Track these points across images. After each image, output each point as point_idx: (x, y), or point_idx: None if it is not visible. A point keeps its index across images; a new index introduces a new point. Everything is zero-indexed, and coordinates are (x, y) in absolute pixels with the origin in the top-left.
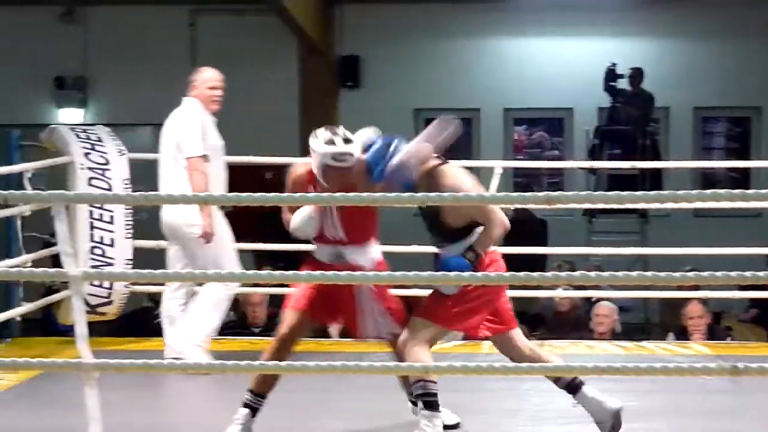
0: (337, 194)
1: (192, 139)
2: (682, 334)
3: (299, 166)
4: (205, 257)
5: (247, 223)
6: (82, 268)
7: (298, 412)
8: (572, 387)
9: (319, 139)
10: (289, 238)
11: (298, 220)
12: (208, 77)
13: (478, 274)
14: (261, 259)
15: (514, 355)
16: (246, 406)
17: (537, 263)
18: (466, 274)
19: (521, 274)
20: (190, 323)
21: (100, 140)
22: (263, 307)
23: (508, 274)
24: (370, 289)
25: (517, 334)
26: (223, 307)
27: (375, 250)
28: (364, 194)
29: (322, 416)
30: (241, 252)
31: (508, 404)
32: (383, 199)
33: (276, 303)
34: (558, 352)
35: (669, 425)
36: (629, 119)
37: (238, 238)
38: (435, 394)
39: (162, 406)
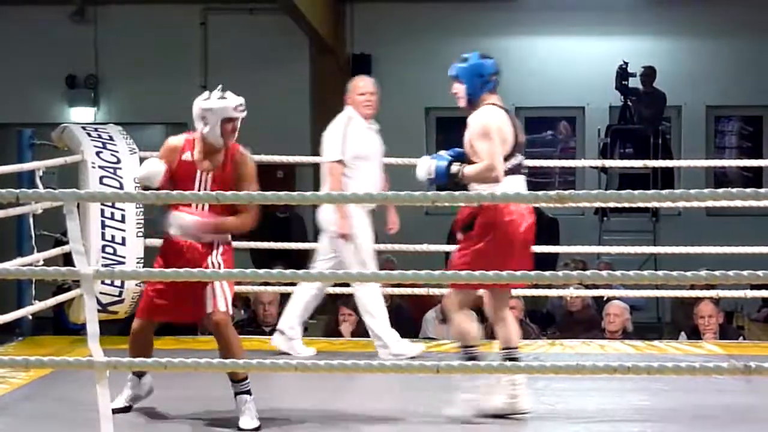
0: (351, 193)
1: (329, 145)
2: (694, 334)
3: (173, 138)
4: (343, 254)
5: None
6: (94, 266)
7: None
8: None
9: (211, 98)
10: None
11: (147, 170)
12: (357, 85)
13: (489, 273)
14: (263, 258)
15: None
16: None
17: (548, 262)
18: (477, 273)
19: (532, 273)
20: (287, 315)
21: (111, 139)
22: (275, 306)
23: (519, 273)
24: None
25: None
26: (314, 303)
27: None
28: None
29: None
30: (242, 251)
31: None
32: (395, 199)
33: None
34: (570, 351)
35: (681, 424)
36: (641, 118)
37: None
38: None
39: (172, 403)
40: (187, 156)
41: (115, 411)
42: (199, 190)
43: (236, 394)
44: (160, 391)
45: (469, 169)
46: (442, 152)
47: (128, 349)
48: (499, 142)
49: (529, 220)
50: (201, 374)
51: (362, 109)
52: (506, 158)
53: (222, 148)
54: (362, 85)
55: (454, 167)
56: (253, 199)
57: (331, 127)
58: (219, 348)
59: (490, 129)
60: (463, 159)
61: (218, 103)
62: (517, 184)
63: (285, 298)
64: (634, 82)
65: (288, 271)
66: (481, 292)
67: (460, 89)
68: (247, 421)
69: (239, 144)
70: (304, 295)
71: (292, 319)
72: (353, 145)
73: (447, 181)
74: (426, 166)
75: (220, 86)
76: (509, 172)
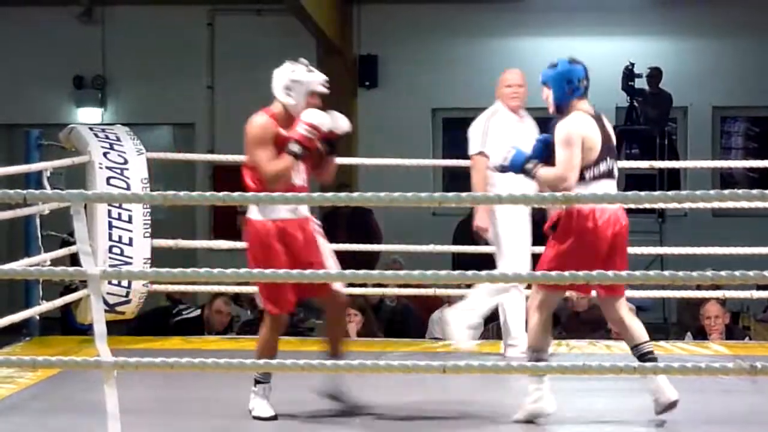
0: (357, 194)
1: (472, 138)
2: (700, 334)
3: (258, 118)
4: (499, 250)
5: None
6: (101, 267)
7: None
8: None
9: (297, 70)
10: None
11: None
12: (504, 77)
13: (495, 272)
14: None
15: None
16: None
17: None
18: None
19: (539, 273)
20: (466, 305)
21: (118, 139)
22: None
23: (526, 273)
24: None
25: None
26: (494, 299)
27: None
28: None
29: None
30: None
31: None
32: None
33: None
34: (576, 352)
35: (687, 424)
36: (647, 119)
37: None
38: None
39: (180, 404)
40: (282, 131)
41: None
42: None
43: None
44: (170, 391)
45: (543, 172)
46: (538, 135)
47: (266, 345)
48: (579, 152)
49: (618, 225)
50: (209, 374)
51: (509, 101)
52: (595, 163)
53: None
54: (509, 77)
55: (530, 164)
56: (259, 200)
57: (475, 122)
58: (338, 331)
59: (572, 137)
60: (549, 152)
61: (307, 75)
62: (605, 189)
63: None
64: (641, 83)
65: (294, 272)
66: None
67: (548, 95)
68: None
69: None
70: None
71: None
72: (496, 138)
73: (518, 173)
74: (504, 153)
75: (305, 60)
76: (598, 177)
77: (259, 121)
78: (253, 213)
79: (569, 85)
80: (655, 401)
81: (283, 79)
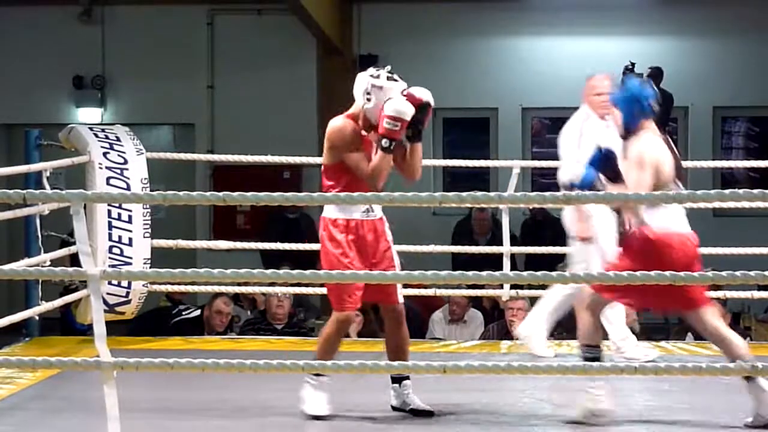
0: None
1: (566, 142)
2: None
3: (335, 120)
4: (589, 259)
5: (255, 222)
6: (101, 267)
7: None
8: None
9: (381, 77)
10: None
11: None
12: (593, 84)
13: (496, 273)
14: (272, 258)
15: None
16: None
17: (555, 263)
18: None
19: (539, 273)
20: (536, 316)
21: (118, 139)
22: (285, 306)
23: (526, 273)
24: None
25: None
26: (565, 307)
27: None
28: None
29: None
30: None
31: (524, 404)
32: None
33: (297, 302)
34: (577, 352)
35: (688, 424)
36: None
37: (248, 236)
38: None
39: (183, 404)
40: (363, 132)
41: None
42: None
43: None
44: (170, 392)
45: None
46: (604, 146)
47: (329, 342)
48: (650, 174)
49: (689, 249)
50: (209, 375)
51: (599, 109)
52: (665, 185)
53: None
54: (599, 85)
55: (600, 184)
56: (259, 200)
57: (567, 125)
58: (399, 341)
59: (644, 159)
60: (614, 163)
61: (389, 83)
62: (674, 212)
63: (296, 299)
64: None
65: (294, 272)
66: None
67: (617, 116)
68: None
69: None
70: (555, 296)
71: (540, 318)
72: (590, 142)
73: (587, 190)
74: (573, 171)
75: (388, 66)
76: None
77: (336, 124)
78: (329, 211)
79: (638, 104)
80: (757, 414)
81: (364, 83)
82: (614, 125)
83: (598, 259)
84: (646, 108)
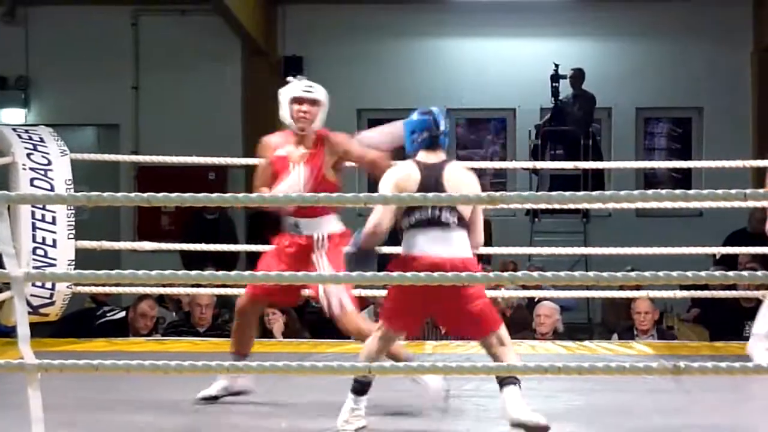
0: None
1: None
2: (626, 334)
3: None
4: None
5: (179, 224)
6: (25, 268)
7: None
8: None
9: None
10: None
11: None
12: None
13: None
14: (193, 259)
15: None
16: None
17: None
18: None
19: (464, 274)
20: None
21: (42, 140)
22: (211, 309)
23: (451, 274)
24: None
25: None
26: None
27: (332, 224)
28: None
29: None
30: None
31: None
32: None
33: (222, 304)
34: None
35: (612, 424)
36: (572, 120)
37: (173, 238)
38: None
39: (107, 405)
40: (280, 152)
41: (205, 399)
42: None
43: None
44: (95, 393)
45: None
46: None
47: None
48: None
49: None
50: (134, 376)
51: None
52: (409, 211)
53: (304, 135)
54: None
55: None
56: (184, 201)
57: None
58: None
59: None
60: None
61: (286, 87)
62: (422, 237)
63: (220, 300)
64: (564, 85)
65: (219, 273)
66: None
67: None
68: None
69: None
70: None
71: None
72: None
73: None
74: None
75: (301, 77)
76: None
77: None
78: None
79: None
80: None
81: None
82: None
83: None
84: (410, 145)
